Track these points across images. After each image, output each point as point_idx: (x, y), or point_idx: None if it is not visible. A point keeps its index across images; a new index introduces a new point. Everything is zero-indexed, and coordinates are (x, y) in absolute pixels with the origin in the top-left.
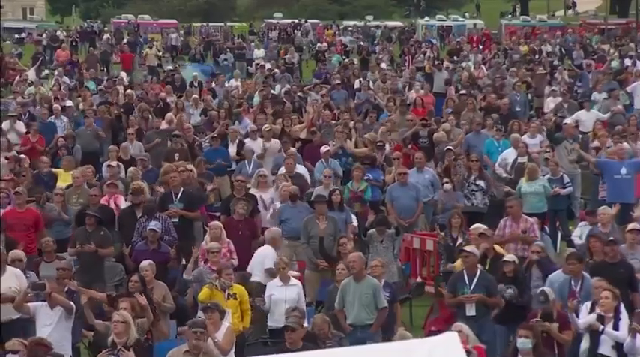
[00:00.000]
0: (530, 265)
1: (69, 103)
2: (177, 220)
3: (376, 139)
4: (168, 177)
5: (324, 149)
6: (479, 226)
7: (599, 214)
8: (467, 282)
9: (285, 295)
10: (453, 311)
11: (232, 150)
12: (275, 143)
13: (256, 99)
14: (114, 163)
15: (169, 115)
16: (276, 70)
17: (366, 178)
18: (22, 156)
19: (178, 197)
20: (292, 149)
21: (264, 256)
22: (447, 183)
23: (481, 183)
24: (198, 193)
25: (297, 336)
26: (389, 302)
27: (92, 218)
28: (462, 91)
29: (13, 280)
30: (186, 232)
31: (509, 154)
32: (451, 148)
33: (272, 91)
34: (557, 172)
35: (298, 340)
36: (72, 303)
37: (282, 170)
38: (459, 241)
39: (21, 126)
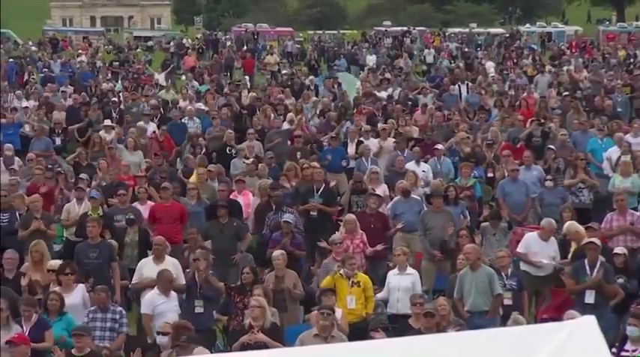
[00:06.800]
0: None
1: (199, 105)
2: (315, 213)
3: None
4: (293, 173)
5: (439, 147)
6: (572, 224)
7: None
8: (588, 271)
9: (399, 283)
10: (567, 299)
11: (351, 149)
12: (390, 142)
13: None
14: (248, 161)
15: (290, 115)
16: (388, 74)
17: (472, 175)
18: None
19: (319, 192)
20: (406, 149)
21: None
22: (549, 180)
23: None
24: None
25: (434, 321)
26: (516, 291)
27: (223, 209)
28: (564, 94)
29: (171, 269)
30: (324, 225)
31: (613, 153)
32: (552, 146)
33: (376, 93)
34: None
35: (434, 325)
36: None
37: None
38: None
39: (153, 126)
